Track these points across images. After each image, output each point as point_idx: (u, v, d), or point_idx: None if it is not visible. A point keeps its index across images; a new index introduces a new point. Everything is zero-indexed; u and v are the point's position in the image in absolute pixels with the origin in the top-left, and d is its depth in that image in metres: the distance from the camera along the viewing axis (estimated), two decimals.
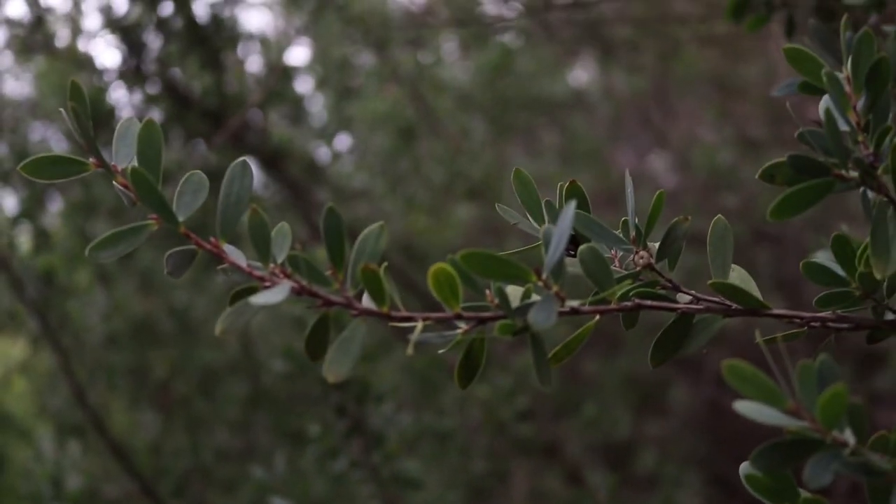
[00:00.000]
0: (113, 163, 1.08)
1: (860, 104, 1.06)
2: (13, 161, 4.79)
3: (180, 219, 1.08)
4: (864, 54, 1.05)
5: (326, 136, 5.83)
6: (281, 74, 5.09)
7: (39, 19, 4.77)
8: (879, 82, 1.05)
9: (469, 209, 5.97)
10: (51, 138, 5.40)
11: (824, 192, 1.03)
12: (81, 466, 4.96)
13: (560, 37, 5.92)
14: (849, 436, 0.93)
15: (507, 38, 6.07)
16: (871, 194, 1.07)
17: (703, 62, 6.41)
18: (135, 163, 1.09)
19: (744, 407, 0.93)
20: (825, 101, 1.07)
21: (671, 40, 5.63)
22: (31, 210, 4.90)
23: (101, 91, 4.94)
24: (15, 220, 4.94)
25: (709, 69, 6.52)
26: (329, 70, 5.52)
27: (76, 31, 5.03)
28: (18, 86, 5.82)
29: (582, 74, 7.87)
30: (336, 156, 6.09)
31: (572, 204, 1.02)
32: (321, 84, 5.72)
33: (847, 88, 1.06)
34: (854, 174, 1.05)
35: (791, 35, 2.26)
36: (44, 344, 5.12)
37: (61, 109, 1.09)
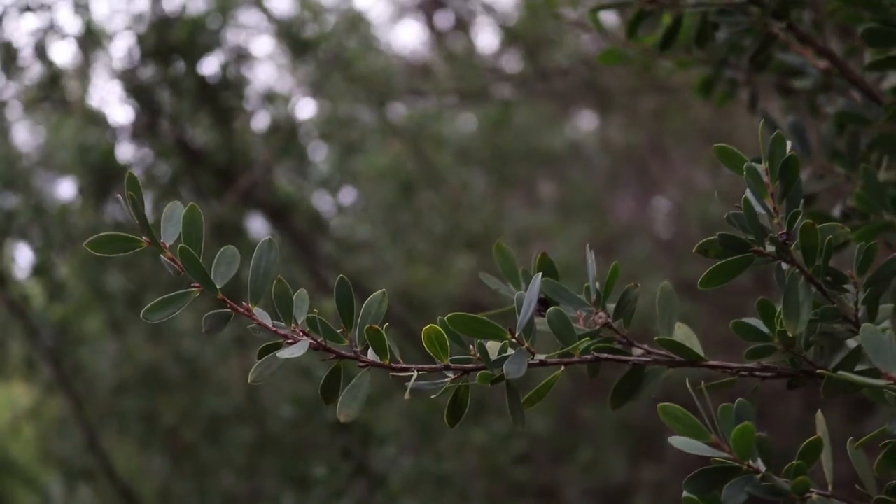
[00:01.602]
0: (162, 240, 1.31)
1: (777, 192, 1.30)
2: (29, 215, 4.97)
3: (218, 286, 1.31)
4: (778, 152, 1.28)
5: (331, 189, 6.02)
6: (288, 133, 5.31)
7: (55, 77, 4.98)
8: (791, 174, 1.28)
9: (468, 260, 6.13)
10: (61, 190, 5.59)
11: (745, 265, 1.26)
12: None
13: (557, 92, 6.16)
14: (762, 464, 1.15)
15: (506, 94, 6.27)
16: (785, 266, 1.30)
17: (695, 118, 6.63)
18: (178, 238, 1.32)
19: (677, 441, 1.15)
20: (747, 190, 1.30)
21: (664, 99, 5.87)
22: (46, 264, 5.06)
23: (113, 147, 5.16)
24: (33, 275, 5.10)
25: (701, 123, 6.75)
26: (334, 126, 5.72)
27: (88, 87, 5.25)
28: (30, 137, 6.03)
29: (580, 126, 8.08)
30: (340, 209, 6.28)
31: (538, 277, 1.27)
32: (326, 139, 5.92)
33: (765, 178, 1.29)
34: (771, 249, 1.28)
35: (754, 109, 2.49)
36: (57, 390, 5.27)
37: (118, 195, 1.32)
